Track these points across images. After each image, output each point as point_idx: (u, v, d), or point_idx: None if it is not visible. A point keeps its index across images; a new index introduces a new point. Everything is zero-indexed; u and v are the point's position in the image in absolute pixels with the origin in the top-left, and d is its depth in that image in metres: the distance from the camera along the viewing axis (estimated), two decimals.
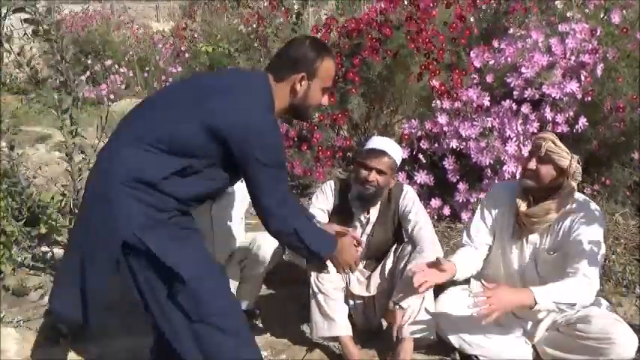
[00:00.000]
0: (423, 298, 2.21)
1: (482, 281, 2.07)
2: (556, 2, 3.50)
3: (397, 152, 2.37)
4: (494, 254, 2.31)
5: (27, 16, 2.29)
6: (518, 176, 3.05)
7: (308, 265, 2.27)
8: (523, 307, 2.03)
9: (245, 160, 1.68)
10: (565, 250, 2.10)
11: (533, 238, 2.19)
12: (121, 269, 1.65)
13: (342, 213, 2.42)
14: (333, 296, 2.25)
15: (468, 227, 2.33)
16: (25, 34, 2.32)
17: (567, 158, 2.04)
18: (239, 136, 1.64)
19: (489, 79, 3.35)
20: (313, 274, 2.26)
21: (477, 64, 3.43)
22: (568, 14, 3.41)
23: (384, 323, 2.49)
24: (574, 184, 2.09)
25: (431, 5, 3.63)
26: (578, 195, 2.14)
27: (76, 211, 2.58)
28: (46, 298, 2.75)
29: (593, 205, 2.13)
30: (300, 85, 1.77)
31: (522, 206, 2.15)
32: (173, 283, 1.64)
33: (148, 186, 1.62)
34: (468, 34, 3.70)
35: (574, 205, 2.11)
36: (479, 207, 2.34)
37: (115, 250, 1.62)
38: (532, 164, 2.08)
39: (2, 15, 2.34)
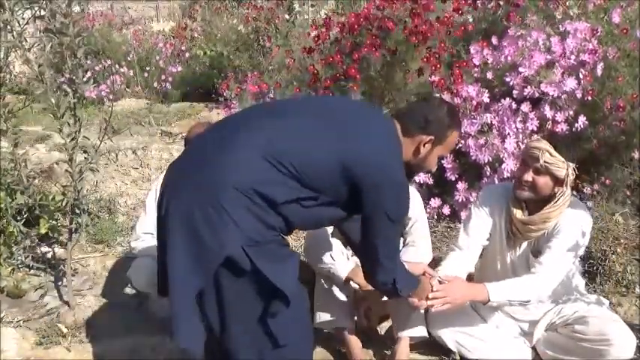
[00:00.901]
0: None
1: (439, 277, 2.05)
2: (556, 13, 3.49)
3: None
4: (490, 255, 2.30)
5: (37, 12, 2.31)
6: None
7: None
8: (477, 302, 2.07)
9: (373, 210, 1.63)
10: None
11: (525, 243, 2.18)
12: (208, 285, 1.52)
13: None
14: (338, 288, 2.29)
15: (464, 228, 2.29)
16: (47, 31, 2.30)
17: (564, 168, 2.01)
18: (376, 188, 1.59)
19: (490, 75, 3.35)
20: (318, 268, 2.29)
21: (477, 61, 3.43)
22: (570, 12, 3.40)
23: (383, 324, 2.52)
24: (569, 190, 2.08)
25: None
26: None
27: (77, 210, 2.58)
28: (46, 298, 2.76)
29: (581, 207, 2.13)
30: (424, 147, 1.73)
31: (518, 214, 2.12)
32: (271, 304, 1.53)
33: (266, 202, 1.51)
34: (463, 29, 3.70)
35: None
36: (473, 207, 2.30)
37: (215, 264, 1.48)
38: (528, 176, 2.03)
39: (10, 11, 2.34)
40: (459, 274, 2.17)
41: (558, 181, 2.04)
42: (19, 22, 2.39)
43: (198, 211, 1.48)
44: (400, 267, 1.84)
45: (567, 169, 2.02)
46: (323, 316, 2.29)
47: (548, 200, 2.08)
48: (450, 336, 2.23)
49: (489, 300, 2.00)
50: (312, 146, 1.56)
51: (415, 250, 2.35)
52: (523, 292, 2.02)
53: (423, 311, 2.24)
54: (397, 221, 1.69)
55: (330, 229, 2.36)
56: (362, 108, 1.84)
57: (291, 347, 1.60)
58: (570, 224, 2.06)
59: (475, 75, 3.40)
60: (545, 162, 2.00)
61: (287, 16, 5.87)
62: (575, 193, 3.08)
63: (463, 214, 3.26)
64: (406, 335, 2.22)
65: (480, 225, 2.23)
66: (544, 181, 2.03)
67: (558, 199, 2.06)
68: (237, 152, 1.53)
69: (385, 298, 2.26)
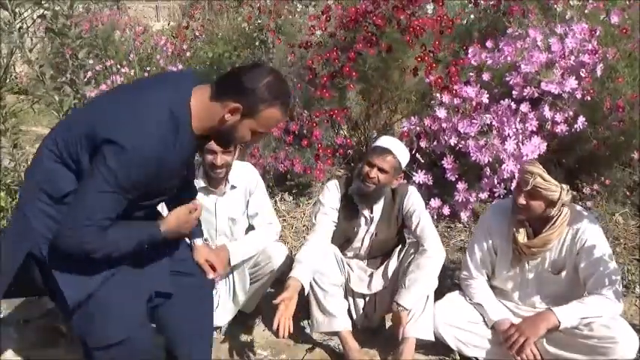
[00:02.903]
0: (427, 298, 2.23)
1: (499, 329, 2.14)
2: (556, 6, 3.49)
3: (403, 153, 2.37)
4: (497, 273, 2.31)
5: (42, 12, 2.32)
6: (517, 176, 3.05)
7: None
8: (550, 328, 2.04)
9: (94, 165, 1.47)
10: (571, 267, 2.12)
11: (534, 261, 2.20)
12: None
13: (348, 209, 2.44)
14: (332, 292, 2.28)
15: (470, 258, 2.32)
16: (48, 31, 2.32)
17: (557, 191, 2.02)
18: (103, 149, 1.45)
19: (486, 77, 3.35)
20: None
21: (474, 62, 3.43)
22: (567, 16, 3.41)
23: (385, 323, 2.51)
24: (567, 209, 2.10)
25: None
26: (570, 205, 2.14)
27: None
28: (46, 298, 2.75)
29: (587, 214, 2.15)
30: (232, 115, 1.54)
31: (521, 237, 2.15)
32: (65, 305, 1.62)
33: (50, 199, 1.54)
34: (452, 24, 3.68)
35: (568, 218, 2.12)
36: (476, 233, 2.33)
37: (22, 257, 1.58)
38: (522, 200, 2.06)
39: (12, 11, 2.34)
40: (490, 299, 2.25)
41: (553, 204, 2.06)
42: (22, 23, 2.40)
43: (16, 215, 1.63)
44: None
45: (561, 192, 2.03)
46: (320, 320, 2.29)
47: (548, 219, 2.10)
48: (450, 332, 2.24)
49: (560, 323, 2.01)
50: (72, 130, 1.54)
51: (428, 255, 2.28)
52: (593, 310, 2.02)
53: (432, 313, 2.24)
54: (114, 183, 1.47)
55: (328, 235, 2.37)
56: (148, 81, 1.79)
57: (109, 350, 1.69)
58: (593, 236, 2.08)
59: (471, 78, 3.40)
60: (536, 186, 2.01)
61: (299, 19, 5.87)
62: (574, 193, 3.08)
63: (463, 215, 3.26)
64: (414, 336, 2.22)
65: (484, 251, 2.28)
66: (537, 204, 2.06)
67: (556, 221, 2.09)
68: (36, 157, 1.61)
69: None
